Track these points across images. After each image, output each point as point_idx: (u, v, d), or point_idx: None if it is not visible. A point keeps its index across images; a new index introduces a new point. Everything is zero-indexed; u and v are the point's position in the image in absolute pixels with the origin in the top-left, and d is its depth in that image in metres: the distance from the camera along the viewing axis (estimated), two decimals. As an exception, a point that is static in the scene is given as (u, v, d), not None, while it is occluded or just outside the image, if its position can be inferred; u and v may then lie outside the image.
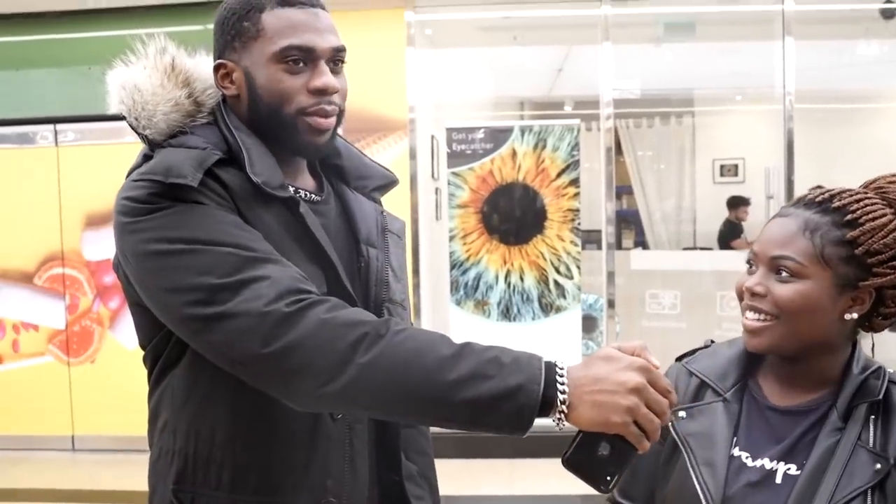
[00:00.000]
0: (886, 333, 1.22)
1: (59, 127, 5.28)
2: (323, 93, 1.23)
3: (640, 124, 7.12)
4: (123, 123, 1.26)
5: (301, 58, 1.22)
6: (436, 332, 1.09)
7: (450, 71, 6.02)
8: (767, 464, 1.16)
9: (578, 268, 4.95)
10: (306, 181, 1.35)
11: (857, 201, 1.15)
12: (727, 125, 7.51)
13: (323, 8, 1.27)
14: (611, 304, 5.21)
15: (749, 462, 1.17)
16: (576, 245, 4.95)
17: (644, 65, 6.27)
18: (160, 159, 1.18)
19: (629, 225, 7.37)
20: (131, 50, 1.26)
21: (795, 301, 1.12)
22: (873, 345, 1.28)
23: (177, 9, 5.04)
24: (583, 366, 1.03)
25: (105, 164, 4.86)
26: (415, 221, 5.12)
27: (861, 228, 1.12)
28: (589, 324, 5.28)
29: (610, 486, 1.02)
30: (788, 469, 1.14)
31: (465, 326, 4.94)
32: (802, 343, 1.15)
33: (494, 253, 4.97)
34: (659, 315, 5.39)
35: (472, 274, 4.98)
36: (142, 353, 1.31)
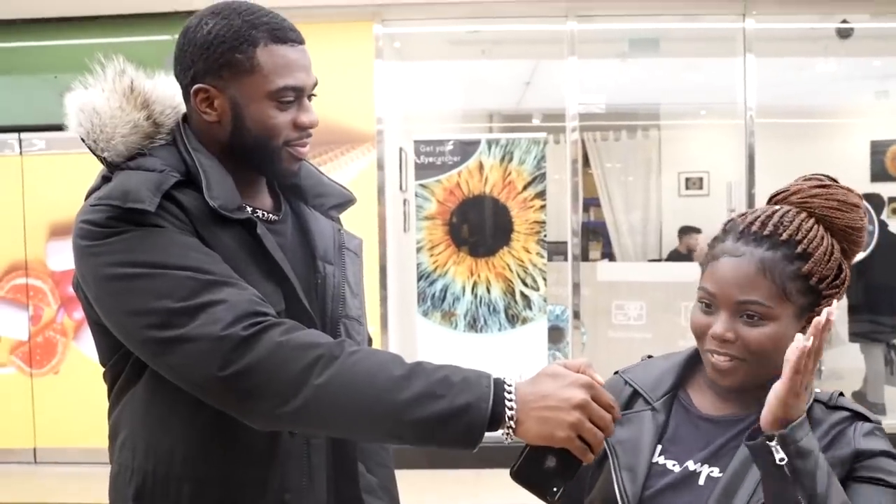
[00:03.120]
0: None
1: (24, 136, 5.23)
2: (309, 128, 1.29)
3: (607, 137, 7.21)
4: None
5: (293, 98, 1.26)
6: (388, 353, 1.14)
7: (418, 83, 6.06)
8: (691, 465, 1.19)
9: (545, 279, 5.00)
10: (264, 201, 1.37)
11: (798, 228, 1.17)
12: (692, 139, 7.62)
13: (304, 42, 1.30)
14: (577, 315, 5.27)
15: (675, 469, 1.20)
16: (542, 257, 5.00)
17: (610, 79, 6.35)
18: (118, 183, 1.19)
19: (596, 236, 7.44)
20: (97, 62, 1.27)
21: (767, 344, 1.14)
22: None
23: (143, 18, 5.01)
24: (530, 382, 1.08)
25: (70, 174, 4.79)
26: (382, 233, 5.13)
27: (813, 259, 1.15)
28: (555, 335, 5.33)
29: (556, 497, 1.08)
30: (711, 472, 1.17)
31: (431, 338, 4.97)
32: (771, 374, 1.14)
33: (461, 264, 5.00)
34: (625, 326, 5.44)
35: (439, 285, 5.01)
36: (105, 367, 1.32)
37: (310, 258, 1.38)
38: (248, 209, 1.29)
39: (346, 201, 1.51)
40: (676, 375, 1.29)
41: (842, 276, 1.18)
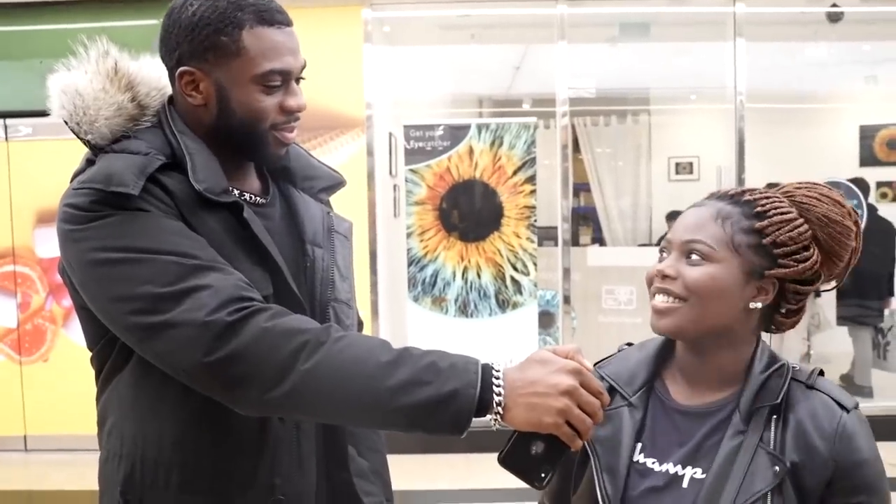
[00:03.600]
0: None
1: (10, 122, 5.19)
2: (296, 112, 1.28)
3: (598, 122, 7.20)
4: None
5: (279, 82, 1.24)
6: (375, 339, 1.14)
7: (408, 68, 6.03)
8: (672, 468, 1.18)
9: (535, 264, 5.01)
10: (252, 184, 1.36)
11: (766, 197, 1.20)
12: (682, 124, 7.63)
13: (291, 24, 1.28)
14: (567, 300, 5.28)
15: (656, 467, 1.19)
16: (532, 242, 5.00)
17: (600, 64, 6.35)
18: (102, 166, 1.18)
19: (587, 222, 7.45)
20: (80, 44, 1.24)
21: (705, 283, 1.15)
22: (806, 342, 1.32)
23: (130, 3, 4.98)
24: (518, 368, 1.08)
25: (57, 160, 4.72)
26: (372, 218, 5.13)
27: (769, 220, 1.17)
28: (545, 320, 5.34)
29: (544, 483, 1.07)
30: (695, 473, 1.16)
31: (422, 323, 4.97)
32: (707, 328, 1.17)
33: (451, 250, 5.00)
34: (615, 310, 5.46)
35: (429, 271, 5.00)
36: (94, 353, 1.31)
37: (298, 241, 1.37)
38: (235, 193, 1.27)
39: (336, 184, 1.49)
40: (651, 365, 1.28)
41: (805, 254, 1.17)
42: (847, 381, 5.74)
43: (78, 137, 1.23)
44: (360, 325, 1.56)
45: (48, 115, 1.26)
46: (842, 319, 5.92)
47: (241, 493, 1.23)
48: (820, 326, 5.96)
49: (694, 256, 1.17)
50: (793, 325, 1.24)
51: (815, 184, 1.24)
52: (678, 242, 1.19)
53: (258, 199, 1.34)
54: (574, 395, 1.04)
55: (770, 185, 1.30)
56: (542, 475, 1.07)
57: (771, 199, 1.20)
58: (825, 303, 5.89)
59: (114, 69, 1.24)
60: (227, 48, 1.21)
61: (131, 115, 1.24)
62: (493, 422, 1.06)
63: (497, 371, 1.07)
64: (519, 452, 1.07)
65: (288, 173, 1.42)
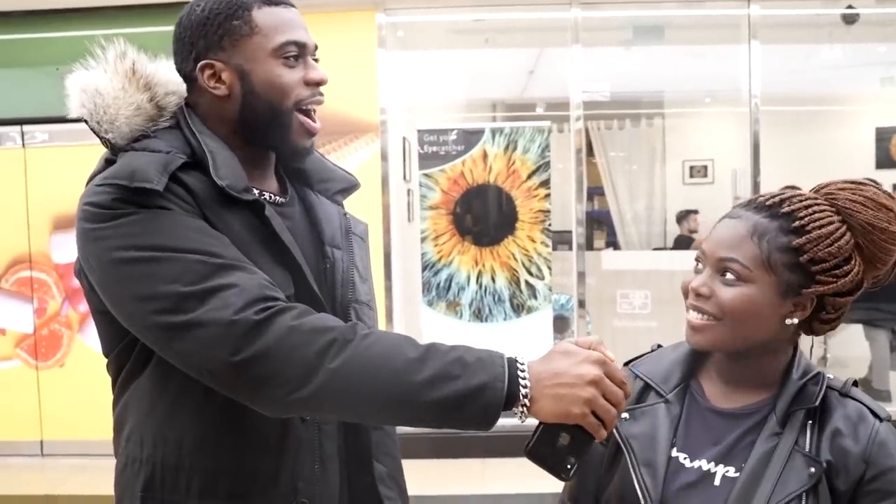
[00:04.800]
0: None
1: (27, 128, 5.22)
2: (318, 84, 1.28)
3: (612, 126, 7.19)
4: None
5: (297, 53, 1.26)
6: (400, 335, 1.12)
7: (421, 73, 6.03)
8: (705, 465, 1.18)
9: (549, 268, 4.99)
10: (270, 184, 1.36)
11: (806, 207, 1.16)
12: (696, 127, 7.60)
13: (295, 7, 1.31)
14: (581, 304, 5.26)
15: (687, 463, 1.19)
16: (547, 246, 4.99)
17: (614, 67, 6.32)
18: (124, 163, 1.17)
19: (601, 225, 7.43)
20: (98, 46, 1.25)
21: (738, 305, 1.13)
22: (812, 345, 1.30)
23: (146, 9, 5.01)
24: (542, 360, 1.08)
25: (73, 166, 4.75)
26: (386, 223, 5.12)
27: (807, 236, 1.13)
28: (560, 324, 5.32)
29: (570, 474, 1.07)
30: (727, 471, 1.16)
31: (436, 327, 4.96)
32: (743, 344, 1.17)
33: (466, 254, 4.99)
34: (630, 315, 5.43)
35: (443, 275, 5.00)
36: (111, 358, 1.30)
37: (318, 243, 1.37)
38: (256, 192, 1.27)
39: (351, 186, 1.49)
40: (687, 365, 1.27)
41: (845, 267, 1.14)
42: (865, 385, 5.69)
43: (98, 136, 1.23)
44: None
45: (65, 121, 1.26)
46: (859, 322, 5.85)
47: (263, 496, 1.22)
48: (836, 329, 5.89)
49: (728, 276, 1.15)
50: (832, 329, 1.22)
51: (861, 184, 1.19)
52: (713, 258, 1.17)
53: (278, 198, 1.34)
54: (600, 385, 1.04)
55: (787, 188, 1.26)
56: (569, 467, 1.07)
57: (810, 211, 1.15)
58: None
59: (132, 69, 1.24)
60: (241, 30, 1.24)
61: (150, 115, 1.24)
62: (520, 414, 1.05)
63: (522, 364, 1.07)
64: (545, 445, 1.07)
65: (303, 175, 1.42)
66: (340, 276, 1.37)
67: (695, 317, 1.17)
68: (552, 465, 1.07)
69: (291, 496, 1.24)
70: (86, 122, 1.22)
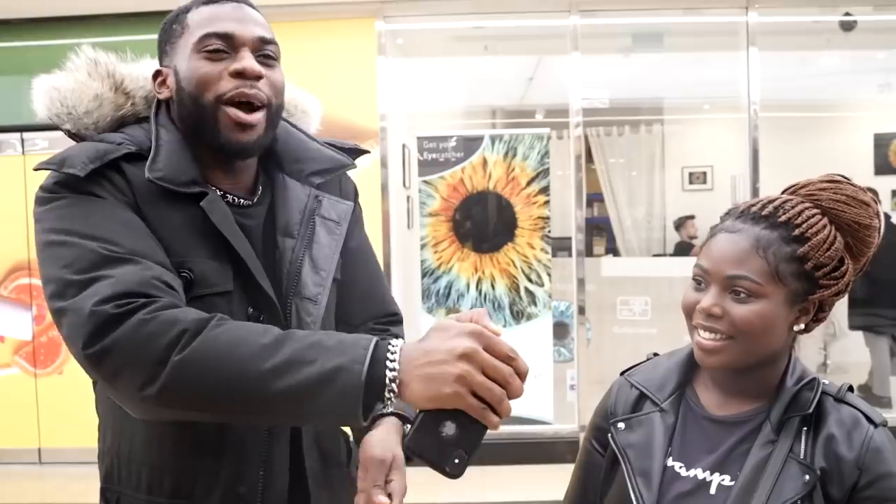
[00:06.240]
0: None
1: (27, 135, 5.23)
2: (242, 76, 1.20)
3: (611, 132, 7.19)
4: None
5: (221, 46, 1.20)
6: (262, 325, 1.02)
7: (421, 80, 6.04)
8: (700, 474, 1.17)
9: (549, 275, 4.99)
10: (240, 183, 1.30)
11: (799, 213, 1.16)
12: (696, 134, 7.61)
13: (251, 5, 1.27)
14: (581, 310, 5.25)
15: (682, 472, 1.18)
16: (546, 253, 4.99)
17: (613, 74, 6.33)
18: (65, 150, 1.18)
19: (600, 232, 7.43)
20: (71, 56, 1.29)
21: (754, 321, 1.13)
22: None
23: (146, 17, 5.01)
24: (417, 341, 0.98)
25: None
26: (386, 230, 5.12)
27: (810, 244, 1.14)
28: (560, 331, 5.31)
29: (458, 470, 0.94)
30: (723, 480, 1.15)
31: (436, 334, 4.93)
32: (755, 358, 1.16)
33: (465, 261, 4.99)
34: (630, 321, 5.43)
35: (443, 282, 5.00)
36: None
37: (274, 232, 1.30)
38: (216, 190, 1.24)
39: (333, 167, 1.38)
40: (681, 373, 1.27)
41: (842, 268, 1.16)
42: (865, 391, 5.68)
43: (61, 130, 1.26)
44: (398, 320, 1.49)
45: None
46: (858, 328, 5.85)
47: (204, 498, 1.20)
48: (836, 336, 5.90)
49: (739, 293, 1.14)
50: (818, 324, 1.23)
51: (838, 182, 1.20)
52: (720, 277, 1.15)
53: (242, 200, 1.29)
54: (474, 360, 0.91)
55: (786, 189, 1.26)
56: (456, 461, 0.93)
57: (805, 217, 1.16)
58: (836, 310, 5.82)
59: (94, 62, 1.27)
60: (176, 32, 1.26)
61: (116, 103, 1.26)
62: (387, 401, 0.94)
63: (393, 346, 0.96)
64: (426, 436, 0.93)
65: (277, 159, 1.36)
66: (286, 267, 1.27)
67: (708, 338, 1.16)
68: (434, 459, 0.93)
69: (233, 500, 1.21)
70: (50, 119, 1.25)
